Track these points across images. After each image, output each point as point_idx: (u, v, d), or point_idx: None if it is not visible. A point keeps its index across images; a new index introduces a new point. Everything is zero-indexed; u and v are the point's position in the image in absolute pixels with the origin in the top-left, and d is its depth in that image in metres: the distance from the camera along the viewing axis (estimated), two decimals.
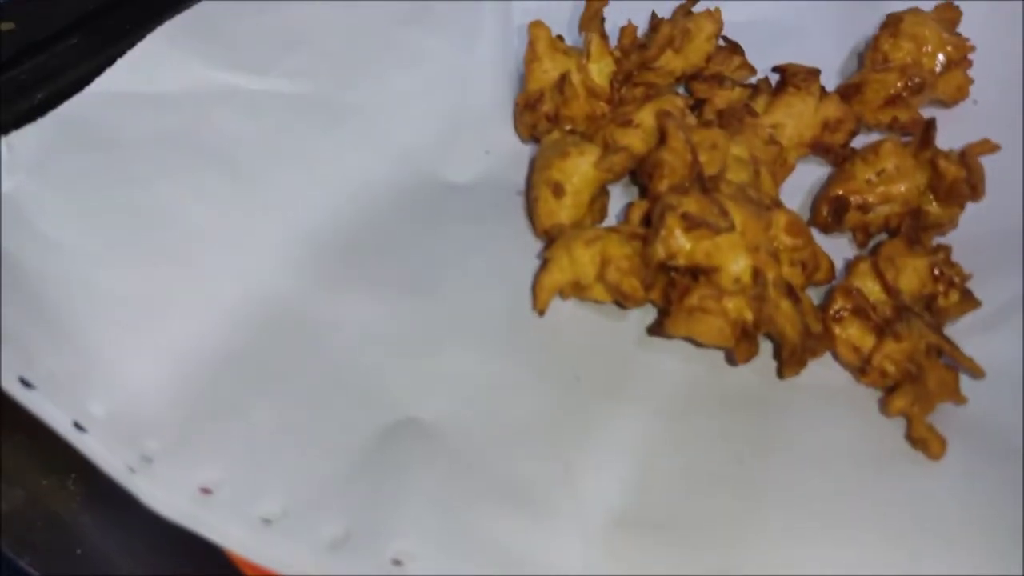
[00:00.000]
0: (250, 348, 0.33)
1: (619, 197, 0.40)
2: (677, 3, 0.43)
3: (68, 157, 0.36)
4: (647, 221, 0.35)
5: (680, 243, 0.33)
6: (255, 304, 0.34)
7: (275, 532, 0.28)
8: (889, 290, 0.34)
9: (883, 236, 0.38)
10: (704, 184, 0.34)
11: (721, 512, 0.30)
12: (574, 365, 0.34)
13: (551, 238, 0.36)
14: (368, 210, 0.38)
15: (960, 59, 0.42)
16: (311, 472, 0.30)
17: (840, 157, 0.40)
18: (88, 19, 0.44)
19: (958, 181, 0.36)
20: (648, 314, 0.35)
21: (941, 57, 0.42)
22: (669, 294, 0.34)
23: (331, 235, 0.37)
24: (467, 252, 0.37)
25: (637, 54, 0.41)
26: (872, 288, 0.34)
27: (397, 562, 0.28)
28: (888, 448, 0.32)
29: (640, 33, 0.42)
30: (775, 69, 0.41)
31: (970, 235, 0.37)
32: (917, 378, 0.32)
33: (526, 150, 0.41)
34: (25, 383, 0.29)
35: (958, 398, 0.32)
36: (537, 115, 0.40)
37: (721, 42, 0.42)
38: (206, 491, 0.29)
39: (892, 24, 0.43)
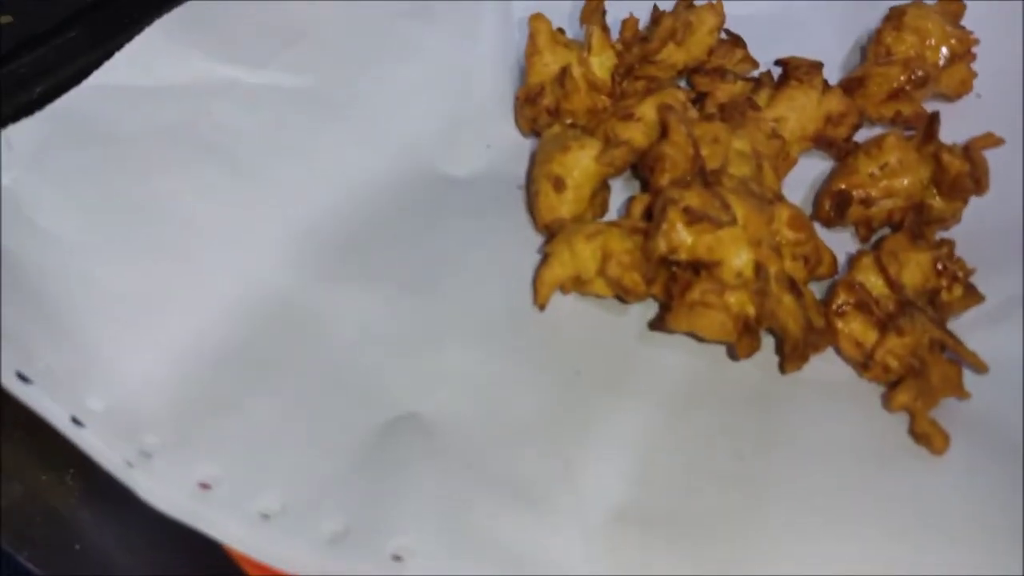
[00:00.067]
0: (249, 343, 0.33)
1: (620, 191, 0.39)
2: None
3: (66, 151, 0.36)
4: (648, 215, 0.35)
5: (682, 237, 0.33)
6: (254, 298, 0.34)
7: (274, 528, 0.28)
8: (892, 285, 0.34)
9: (886, 230, 0.38)
10: (706, 178, 0.34)
11: (722, 507, 0.30)
12: (575, 360, 0.34)
13: (552, 232, 0.36)
14: (368, 204, 0.38)
15: (964, 53, 0.42)
16: (310, 468, 0.30)
17: (843, 151, 0.39)
18: (87, 12, 0.44)
19: (961, 175, 0.36)
20: (649, 309, 0.35)
21: (944, 50, 0.42)
22: (670, 288, 0.33)
23: (331, 229, 0.37)
24: (467, 247, 0.37)
25: (639, 47, 0.41)
26: (875, 283, 0.34)
27: (397, 558, 0.28)
28: (891, 443, 0.32)
29: (642, 26, 0.42)
30: (777, 62, 0.41)
31: (974, 229, 0.37)
32: (920, 373, 0.32)
33: (527, 144, 0.41)
34: (23, 378, 0.29)
35: (961, 393, 0.32)
36: (538, 109, 0.40)
37: (723, 35, 0.42)
38: (205, 486, 0.29)
39: (895, 17, 0.43)
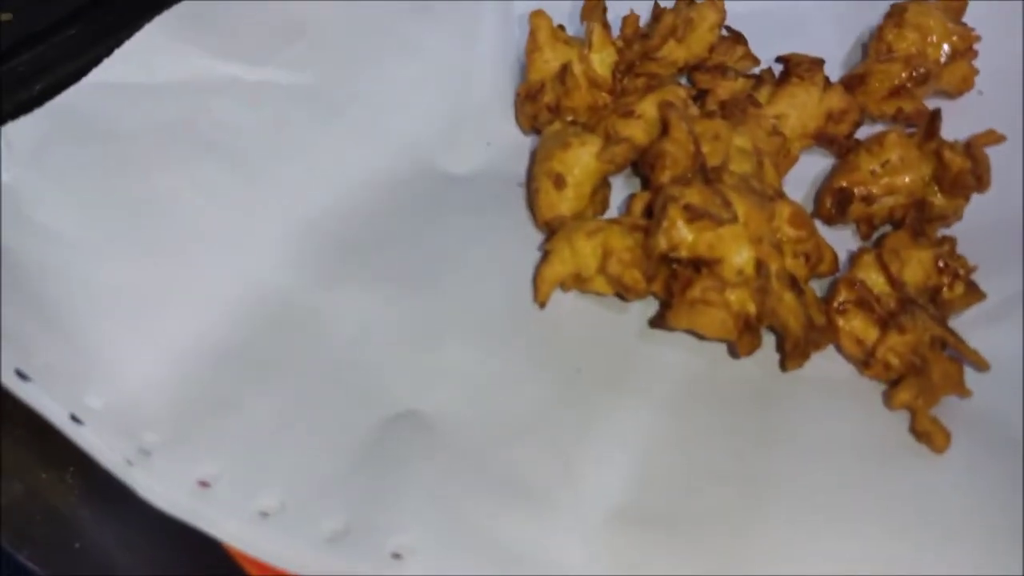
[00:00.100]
0: (249, 340, 0.33)
1: (621, 188, 0.39)
2: None
3: (66, 148, 0.36)
4: (649, 213, 0.34)
5: (682, 234, 0.33)
6: (254, 296, 0.34)
7: (273, 526, 0.28)
8: (893, 282, 0.34)
9: (887, 228, 0.38)
10: (707, 175, 0.34)
11: (723, 505, 0.30)
12: (575, 358, 0.34)
13: (552, 230, 0.36)
14: (368, 202, 0.38)
15: (965, 49, 0.42)
16: (310, 466, 0.30)
17: (844, 148, 0.39)
18: (87, 10, 0.44)
19: (963, 172, 0.36)
20: (650, 306, 0.35)
21: (946, 47, 0.42)
22: (671, 286, 0.33)
23: (330, 227, 0.37)
24: (467, 244, 0.37)
25: (639, 44, 0.41)
26: (876, 280, 0.34)
27: (396, 556, 0.28)
28: (892, 441, 0.32)
29: (642, 23, 0.42)
30: (779, 59, 0.41)
31: (975, 227, 0.37)
32: (921, 371, 0.32)
33: (527, 141, 0.41)
34: (22, 375, 0.29)
35: (962, 391, 0.32)
36: (538, 106, 0.40)
37: (724, 32, 0.42)
38: (204, 484, 0.29)
39: (896, 14, 0.42)
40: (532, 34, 0.40)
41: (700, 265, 0.33)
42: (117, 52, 0.39)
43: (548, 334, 0.34)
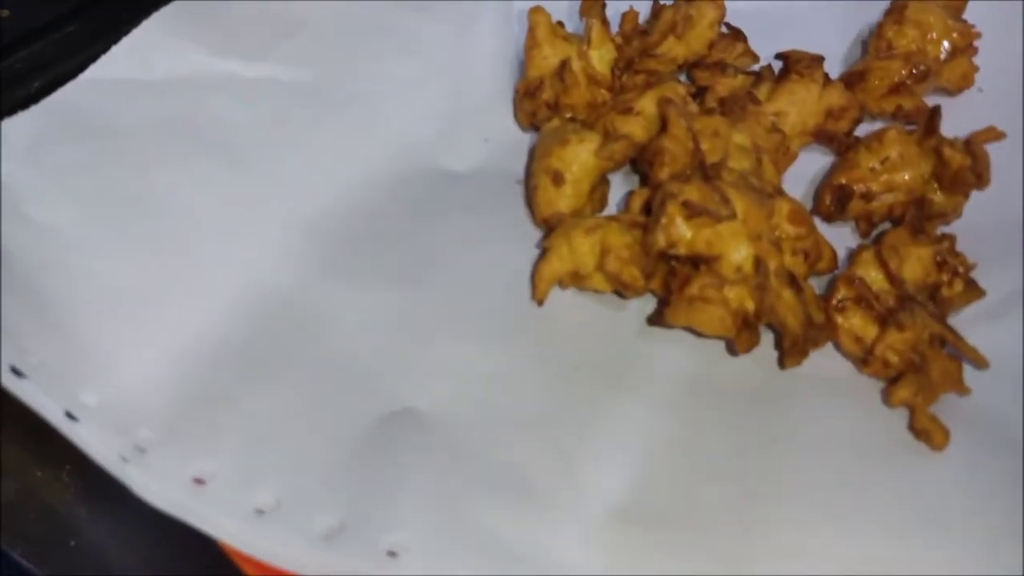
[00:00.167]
0: (245, 337, 0.33)
1: (619, 186, 0.39)
2: None
3: (63, 145, 0.36)
4: (647, 210, 0.34)
5: (681, 231, 0.33)
6: (251, 293, 0.34)
7: (269, 523, 0.28)
8: (892, 279, 0.34)
9: (887, 225, 0.37)
10: (705, 172, 0.34)
11: (722, 503, 0.30)
12: (573, 355, 0.34)
13: (550, 227, 0.36)
14: (366, 199, 0.38)
15: (965, 46, 0.42)
16: (305, 463, 0.30)
17: (844, 145, 0.39)
18: (85, 7, 0.44)
19: (963, 169, 0.36)
20: (648, 304, 0.35)
21: (946, 44, 0.42)
22: (669, 283, 0.33)
23: (329, 224, 0.37)
24: (466, 241, 0.37)
25: (638, 41, 0.40)
26: (875, 277, 0.34)
27: (392, 554, 0.27)
28: (891, 439, 0.31)
29: (641, 20, 0.42)
30: (778, 56, 0.41)
31: (974, 224, 0.37)
32: (920, 368, 0.32)
33: (526, 138, 0.41)
34: (17, 372, 0.29)
35: (961, 389, 0.32)
36: (537, 103, 0.40)
37: (723, 29, 0.42)
38: (199, 482, 0.29)
39: (896, 11, 0.42)
40: (531, 31, 0.40)
41: (699, 262, 0.33)
42: (115, 48, 0.39)
43: (546, 332, 0.34)
